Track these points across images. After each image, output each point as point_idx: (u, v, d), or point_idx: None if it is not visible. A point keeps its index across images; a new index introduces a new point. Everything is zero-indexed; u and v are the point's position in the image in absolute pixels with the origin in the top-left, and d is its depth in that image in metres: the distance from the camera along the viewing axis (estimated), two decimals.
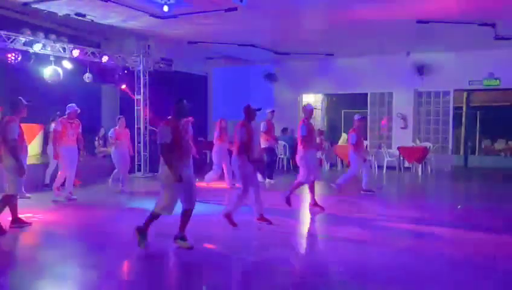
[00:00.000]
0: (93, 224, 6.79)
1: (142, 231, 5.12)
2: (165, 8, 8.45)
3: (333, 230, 6.51)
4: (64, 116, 8.11)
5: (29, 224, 6.26)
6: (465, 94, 16.20)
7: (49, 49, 9.97)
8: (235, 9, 8.47)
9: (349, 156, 9.37)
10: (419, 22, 9.52)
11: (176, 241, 5.21)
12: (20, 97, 6.21)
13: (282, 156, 13.52)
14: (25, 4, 8.86)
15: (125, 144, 9.24)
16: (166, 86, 12.13)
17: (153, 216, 5.14)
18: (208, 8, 8.60)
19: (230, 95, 15.14)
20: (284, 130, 13.86)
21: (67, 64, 10.64)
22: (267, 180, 10.36)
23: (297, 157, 7.49)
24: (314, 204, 7.61)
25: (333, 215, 7.43)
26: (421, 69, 13.48)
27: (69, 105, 8.16)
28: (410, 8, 8.89)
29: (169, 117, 5.13)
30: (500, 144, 18.22)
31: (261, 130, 10.30)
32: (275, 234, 6.09)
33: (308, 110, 7.67)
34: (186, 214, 5.19)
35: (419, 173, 12.72)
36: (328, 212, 7.51)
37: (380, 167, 13.41)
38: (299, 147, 7.43)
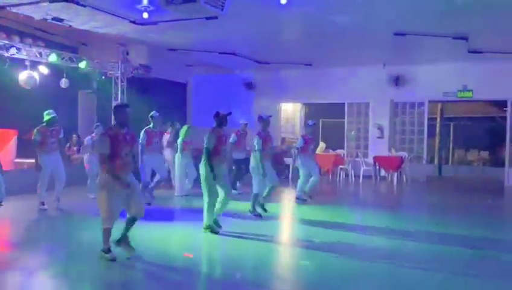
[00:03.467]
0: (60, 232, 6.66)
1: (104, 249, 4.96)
2: (145, 15, 8.42)
3: (309, 239, 6.55)
4: (43, 125, 7.73)
5: None
6: (439, 105, 16.61)
7: (24, 53, 9.78)
8: (216, 17, 8.49)
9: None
10: (396, 34, 9.74)
11: (119, 244, 5.06)
12: None
13: None
14: (1, 8, 8.69)
15: None
16: (145, 92, 12.04)
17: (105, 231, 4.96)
18: (188, 16, 8.59)
19: (210, 103, 15.09)
20: None
21: (44, 69, 10.46)
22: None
23: (251, 168, 7.64)
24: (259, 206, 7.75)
25: (308, 223, 7.48)
26: (396, 81, 13.78)
27: (49, 111, 7.81)
28: (387, 20, 9.11)
29: (111, 125, 5.07)
30: (472, 154, 18.70)
31: (230, 141, 10.22)
32: (243, 241, 6.09)
33: (264, 120, 7.70)
34: (131, 222, 5.05)
35: (395, 182, 12.93)
36: (304, 220, 7.57)
37: (356, 176, 13.58)
38: (252, 159, 7.57)
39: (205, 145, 6.18)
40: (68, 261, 5.20)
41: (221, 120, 6.31)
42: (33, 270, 4.97)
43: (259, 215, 7.58)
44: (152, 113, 8.71)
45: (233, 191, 10.05)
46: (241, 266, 5.23)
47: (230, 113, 6.39)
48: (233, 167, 9.73)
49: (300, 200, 9.04)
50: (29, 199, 8.48)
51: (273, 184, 7.83)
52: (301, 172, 9.11)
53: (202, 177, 6.24)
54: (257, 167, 7.51)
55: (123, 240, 5.09)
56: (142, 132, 8.58)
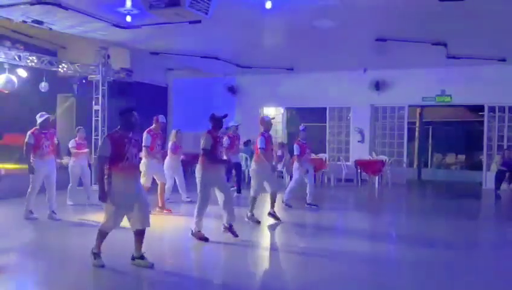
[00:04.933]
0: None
1: (95, 253, 4.89)
2: (128, 19, 8.34)
3: (291, 243, 6.56)
4: (36, 127, 7.35)
5: None
6: (418, 110, 16.88)
7: (3, 56, 9.58)
8: (199, 21, 8.46)
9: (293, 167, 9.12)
10: (378, 40, 9.88)
11: (134, 261, 4.95)
12: None
13: (244, 168, 13.50)
14: None
15: (85, 156, 8.99)
16: (126, 96, 11.92)
17: (101, 234, 4.88)
18: (172, 20, 8.54)
19: (191, 107, 15.09)
20: (247, 142, 13.90)
21: (22, 73, 10.27)
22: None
23: (250, 169, 7.57)
24: (272, 214, 7.66)
25: (290, 227, 7.49)
26: (377, 85, 13.97)
27: (41, 113, 7.45)
28: (369, 26, 9.24)
29: (116, 129, 4.89)
30: (450, 158, 19.06)
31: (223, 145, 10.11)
32: (233, 246, 6.08)
33: (266, 122, 7.67)
34: (140, 234, 4.93)
35: (376, 185, 13.08)
36: (285, 224, 7.55)
37: (338, 180, 13.69)
38: (254, 159, 7.52)
39: (202, 147, 6.03)
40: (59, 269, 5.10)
41: (216, 122, 6.19)
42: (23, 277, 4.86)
43: (258, 222, 7.44)
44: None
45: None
46: (222, 270, 5.22)
47: (226, 116, 6.32)
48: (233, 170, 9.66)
49: (288, 205, 8.89)
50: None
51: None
52: (294, 177, 9.00)
53: (198, 180, 6.08)
54: (258, 166, 7.35)
55: (138, 257, 4.94)
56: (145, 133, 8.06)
